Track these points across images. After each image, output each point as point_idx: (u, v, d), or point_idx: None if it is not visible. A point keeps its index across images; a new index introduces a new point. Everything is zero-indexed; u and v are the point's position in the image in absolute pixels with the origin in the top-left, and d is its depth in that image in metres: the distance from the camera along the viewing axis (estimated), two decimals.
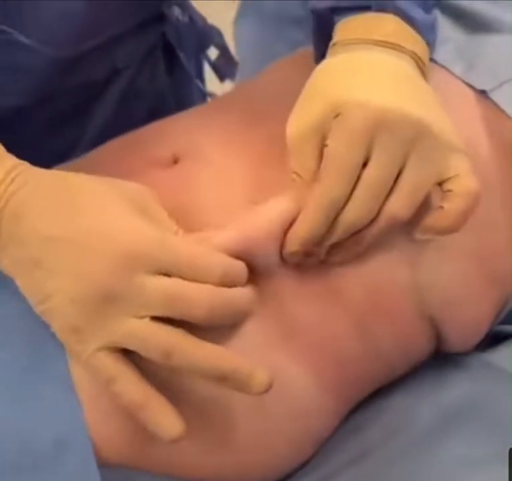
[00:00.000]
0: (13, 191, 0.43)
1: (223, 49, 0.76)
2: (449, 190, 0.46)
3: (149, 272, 0.41)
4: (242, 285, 0.45)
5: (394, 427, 0.52)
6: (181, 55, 0.71)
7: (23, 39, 0.56)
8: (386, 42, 0.49)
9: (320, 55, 0.53)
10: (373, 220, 0.46)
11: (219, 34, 0.75)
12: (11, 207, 0.43)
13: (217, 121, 0.56)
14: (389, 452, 0.50)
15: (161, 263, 0.42)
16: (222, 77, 0.77)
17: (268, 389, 0.42)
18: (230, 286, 0.43)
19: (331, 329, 0.49)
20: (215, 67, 0.76)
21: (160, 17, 0.67)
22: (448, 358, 0.55)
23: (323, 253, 0.47)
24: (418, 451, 0.49)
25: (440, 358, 0.55)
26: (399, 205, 0.45)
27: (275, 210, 0.46)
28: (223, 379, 0.41)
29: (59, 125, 0.65)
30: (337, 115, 0.45)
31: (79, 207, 0.43)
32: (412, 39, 0.50)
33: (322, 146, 0.46)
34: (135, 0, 0.62)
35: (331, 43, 0.52)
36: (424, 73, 0.50)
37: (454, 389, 0.53)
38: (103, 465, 0.44)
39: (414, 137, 0.45)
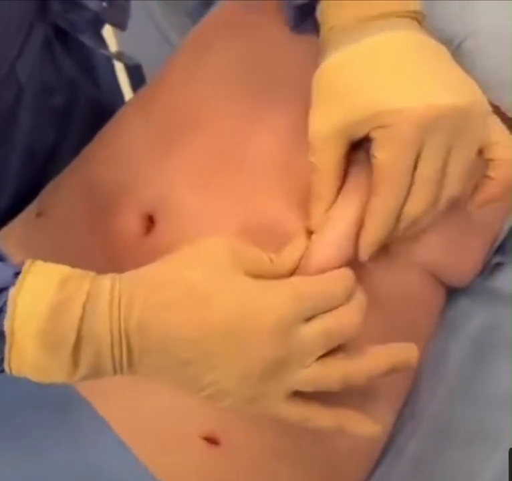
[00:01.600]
0: (127, 304, 0.41)
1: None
2: (491, 159, 0.47)
3: (298, 326, 0.42)
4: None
5: (435, 369, 0.57)
6: (80, 36, 0.63)
7: None
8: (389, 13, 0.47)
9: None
10: None
11: None
12: (135, 320, 0.41)
13: (179, 157, 0.55)
14: (441, 395, 0.56)
15: (304, 314, 0.43)
16: (121, 27, 0.70)
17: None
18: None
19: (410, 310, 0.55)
20: (110, 20, 0.68)
21: (43, 11, 0.59)
22: (458, 292, 0.59)
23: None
24: (471, 385, 0.55)
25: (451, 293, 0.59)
26: (454, 186, 0.47)
27: (341, 225, 0.48)
28: (392, 371, 0.45)
29: None
30: (378, 126, 0.44)
31: (202, 300, 0.42)
32: None
33: (348, 147, 0.47)
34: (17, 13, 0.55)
35: (324, 25, 0.49)
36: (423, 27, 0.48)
37: (473, 319, 0.58)
38: None
39: (458, 125, 0.45)
